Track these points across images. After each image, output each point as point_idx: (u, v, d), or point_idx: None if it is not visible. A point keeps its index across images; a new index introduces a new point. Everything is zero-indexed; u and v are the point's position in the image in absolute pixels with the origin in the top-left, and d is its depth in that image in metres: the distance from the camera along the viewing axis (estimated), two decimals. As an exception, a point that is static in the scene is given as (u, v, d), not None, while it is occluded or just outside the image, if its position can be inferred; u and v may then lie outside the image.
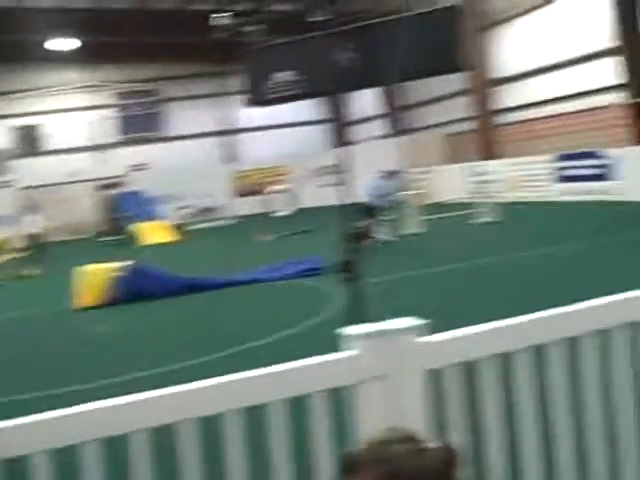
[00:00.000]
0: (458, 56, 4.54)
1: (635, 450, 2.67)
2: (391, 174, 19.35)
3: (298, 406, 2.33)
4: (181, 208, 35.58)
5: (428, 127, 33.21)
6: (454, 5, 4.78)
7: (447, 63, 4.59)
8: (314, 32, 4.77)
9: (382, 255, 14.73)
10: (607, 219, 16.94)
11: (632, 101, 21.20)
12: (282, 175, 31.26)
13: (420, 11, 4.86)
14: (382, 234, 17.25)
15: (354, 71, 4.53)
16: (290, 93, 4.83)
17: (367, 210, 16.45)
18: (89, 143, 38.11)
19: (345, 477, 1.65)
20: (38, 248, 21.71)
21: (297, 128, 39.06)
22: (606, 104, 22.53)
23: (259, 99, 5.16)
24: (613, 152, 20.61)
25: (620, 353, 2.65)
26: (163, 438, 2.25)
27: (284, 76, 4.79)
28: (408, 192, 19.68)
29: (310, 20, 4.49)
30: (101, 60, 35.94)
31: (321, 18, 4.43)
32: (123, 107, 38.42)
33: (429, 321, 2.34)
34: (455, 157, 30.99)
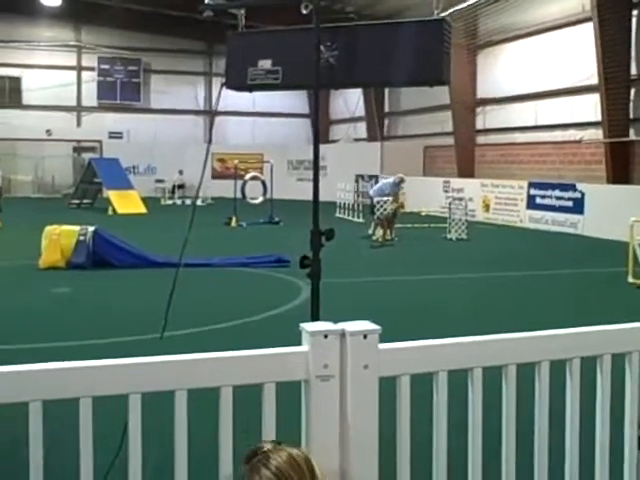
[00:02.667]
0: (445, 70, 4.52)
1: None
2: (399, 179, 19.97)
3: (246, 394, 2.31)
4: (156, 182, 35.36)
5: (409, 136, 33.36)
6: (446, 18, 4.76)
7: (433, 75, 4.56)
8: (302, 24, 4.72)
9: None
10: (566, 251, 17.21)
11: (607, 140, 21.53)
12: (260, 163, 31.16)
13: (411, 19, 4.83)
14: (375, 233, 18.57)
15: (336, 69, 4.48)
16: (269, 82, 4.78)
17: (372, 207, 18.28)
18: (68, 103, 37.66)
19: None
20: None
21: (280, 119, 38.99)
22: (579, 139, 22.88)
23: (238, 84, 5.09)
24: (583, 187, 20.90)
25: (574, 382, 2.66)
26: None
27: (264, 64, 4.73)
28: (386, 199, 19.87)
29: (299, 13, 4.43)
30: (88, 21, 35.55)
31: (308, 12, 4.38)
32: (105, 72, 37.98)
33: (380, 328, 2.32)
34: (432, 170, 31.18)
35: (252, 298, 10.77)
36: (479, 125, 28.91)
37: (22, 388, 2.03)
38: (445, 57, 4.64)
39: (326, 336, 2.27)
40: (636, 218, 13.19)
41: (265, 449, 1.92)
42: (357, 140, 36.80)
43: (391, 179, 19.96)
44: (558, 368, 2.66)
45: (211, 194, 30.46)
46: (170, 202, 32.27)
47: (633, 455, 2.76)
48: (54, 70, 37.07)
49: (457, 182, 27.20)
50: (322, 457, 2.25)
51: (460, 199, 22.21)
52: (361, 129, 36.64)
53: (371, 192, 20.27)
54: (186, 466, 2.21)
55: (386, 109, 35.59)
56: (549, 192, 22.42)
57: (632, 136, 21.60)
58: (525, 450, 2.65)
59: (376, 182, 24.65)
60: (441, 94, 26.35)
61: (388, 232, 18.52)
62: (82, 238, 12.82)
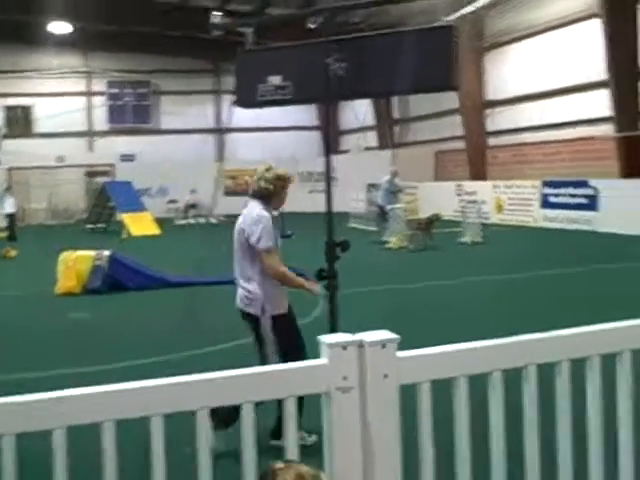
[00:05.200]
0: (454, 75, 4.53)
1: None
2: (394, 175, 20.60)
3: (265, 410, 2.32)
4: (169, 202, 35.49)
5: (420, 142, 33.34)
6: (453, 24, 4.78)
7: (442, 81, 4.57)
8: (308, 39, 4.76)
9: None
10: (582, 249, 17.11)
11: (618, 134, 21.45)
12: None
13: (418, 27, 4.84)
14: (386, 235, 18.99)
15: (345, 81, 4.51)
16: (279, 97, 4.81)
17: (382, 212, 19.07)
18: (79, 129, 37.96)
19: None
20: (13, 229, 21.57)
21: (289, 132, 39.10)
22: (592, 135, 22.80)
23: (247, 100, 5.13)
24: (597, 183, 20.80)
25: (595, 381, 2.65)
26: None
27: (273, 80, 4.76)
28: (399, 205, 19.97)
29: (307, 27, 4.47)
30: (96, 47, 35.83)
31: (317, 26, 4.42)
32: (114, 96, 38.27)
33: (399, 336, 2.33)
34: (444, 174, 31.13)
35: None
36: (489, 127, 28.84)
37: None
38: (454, 63, 4.65)
39: (345, 347, 2.29)
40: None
41: (275, 468, 1.97)
42: (368, 149, 36.80)
43: (385, 178, 20.20)
44: (579, 367, 2.66)
45: (224, 212, 30.52)
46: (184, 222, 32.36)
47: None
48: (64, 97, 37.40)
49: (469, 185, 27.15)
50: (346, 468, 2.26)
51: (473, 202, 22.17)
52: (371, 138, 36.65)
53: (379, 200, 20.47)
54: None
55: (395, 116, 35.60)
56: (562, 190, 22.33)
57: (643, 130, 21.49)
58: (550, 456, 2.64)
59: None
60: (449, 98, 26.34)
61: (427, 237, 18.52)
62: (98, 263, 12.88)
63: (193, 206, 33.76)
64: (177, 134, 38.54)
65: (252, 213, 5.17)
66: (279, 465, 2.01)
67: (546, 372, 2.61)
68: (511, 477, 2.56)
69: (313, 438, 4.17)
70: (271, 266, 5.09)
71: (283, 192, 5.32)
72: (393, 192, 20.24)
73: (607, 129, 22.22)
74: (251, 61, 5.06)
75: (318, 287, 5.21)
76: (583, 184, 21.42)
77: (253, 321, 5.14)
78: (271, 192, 5.23)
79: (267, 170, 5.30)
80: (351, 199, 26.28)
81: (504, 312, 9.96)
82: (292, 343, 5.07)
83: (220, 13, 5.15)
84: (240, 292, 5.24)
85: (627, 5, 20.97)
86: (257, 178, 5.30)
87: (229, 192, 34.23)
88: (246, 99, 5.14)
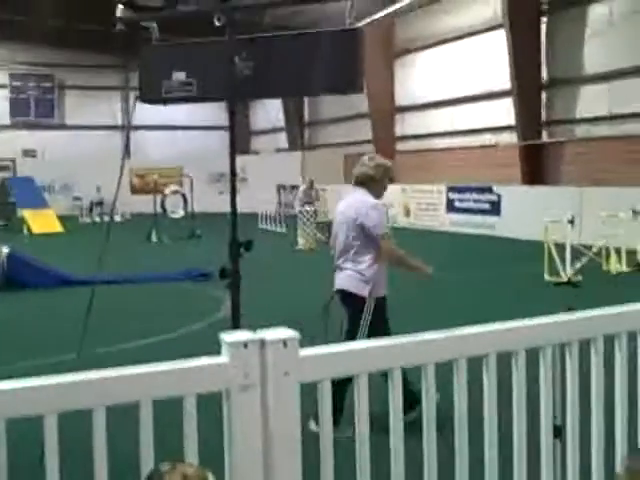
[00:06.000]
0: (359, 77, 4.59)
1: None
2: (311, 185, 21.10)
3: (168, 408, 2.28)
4: (73, 200, 34.58)
5: (330, 145, 33.58)
6: (359, 28, 4.84)
7: (348, 83, 4.63)
8: (215, 36, 4.72)
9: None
10: (484, 252, 17.61)
11: (521, 143, 22.19)
12: (178, 177, 30.86)
13: (325, 29, 4.88)
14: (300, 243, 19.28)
15: (251, 80, 4.50)
16: (183, 94, 4.75)
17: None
18: (-22, 122, 36.56)
19: None
20: None
21: (200, 132, 38.69)
22: (494, 143, 23.52)
23: (152, 96, 5.05)
24: (500, 189, 21.45)
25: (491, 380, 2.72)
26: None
27: (178, 76, 4.71)
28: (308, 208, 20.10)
29: (214, 25, 4.43)
30: None
31: (224, 24, 4.38)
32: (17, 89, 37.01)
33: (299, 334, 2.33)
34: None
35: (173, 313, 10.64)
36: (398, 132, 29.32)
37: None
38: (360, 65, 4.71)
39: (246, 345, 2.27)
40: (550, 219, 13.61)
41: (161, 470, 1.95)
42: (278, 150, 36.83)
43: (301, 188, 20.96)
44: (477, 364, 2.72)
45: (131, 210, 29.98)
46: (88, 220, 31.63)
47: (550, 443, 2.86)
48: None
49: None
50: (246, 465, 2.24)
51: (382, 205, 22.47)
52: (282, 139, 36.69)
53: (296, 208, 20.96)
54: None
55: (306, 119, 35.76)
56: (467, 195, 22.92)
57: (545, 138, 22.29)
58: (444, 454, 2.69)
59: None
60: (360, 102, 26.63)
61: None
62: (-6, 259, 12.47)
63: (99, 204, 32.99)
64: (83, 130, 37.59)
65: (364, 200, 5.49)
66: (165, 467, 1.98)
67: (443, 370, 2.66)
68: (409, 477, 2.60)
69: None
70: (389, 250, 5.46)
71: (385, 180, 5.68)
72: (309, 202, 20.41)
73: (511, 137, 22.95)
74: (156, 57, 4.99)
75: (430, 269, 5.70)
76: (487, 190, 22.05)
77: (356, 302, 5.37)
78: (374, 179, 5.57)
79: (370, 159, 5.76)
80: (261, 200, 26.22)
81: (404, 312, 10.12)
82: (382, 327, 5.32)
83: (123, 6, 5.04)
84: (346, 274, 5.48)
85: (531, 16, 21.70)
86: (360, 165, 5.68)
87: (136, 190, 33.59)
88: (150, 95, 5.06)
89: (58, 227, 25.73)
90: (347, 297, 5.49)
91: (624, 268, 13.74)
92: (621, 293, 11.30)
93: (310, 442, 2.44)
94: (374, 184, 5.59)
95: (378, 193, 5.65)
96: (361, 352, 2.52)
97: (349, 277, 5.48)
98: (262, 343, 2.29)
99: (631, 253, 13.98)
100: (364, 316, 5.32)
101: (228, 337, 2.30)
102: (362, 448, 2.49)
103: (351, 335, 5.29)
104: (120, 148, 38.46)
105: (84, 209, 33.06)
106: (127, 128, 37.58)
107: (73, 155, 35.47)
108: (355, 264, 5.46)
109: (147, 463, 2.19)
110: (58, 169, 34.28)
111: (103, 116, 38.20)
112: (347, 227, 5.50)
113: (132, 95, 37.12)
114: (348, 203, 5.64)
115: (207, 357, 2.27)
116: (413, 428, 2.74)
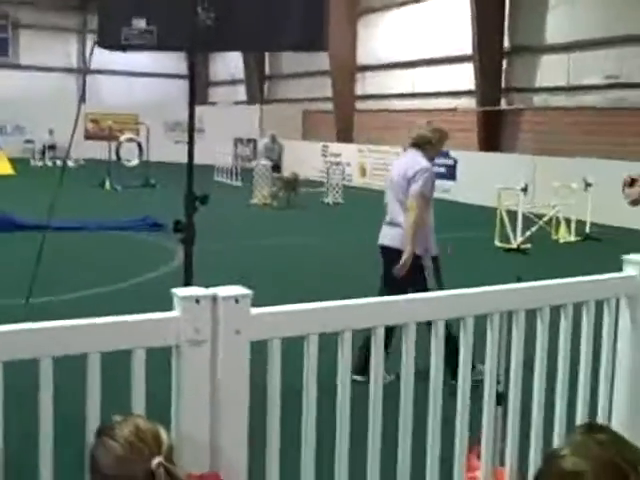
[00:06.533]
0: (323, 35, 4.55)
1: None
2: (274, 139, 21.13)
3: (114, 361, 2.27)
4: (25, 142, 33.80)
5: (289, 100, 33.29)
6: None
7: (311, 41, 4.58)
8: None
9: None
10: (438, 216, 17.69)
11: (479, 108, 22.30)
12: (135, 124, 30.32)
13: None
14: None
15: (213, 32, 4.42)
16: (143, 42, 4.65)
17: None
18: None
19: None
20: None
21: (157, 79, 37.98)
22: (453, 107, 23.58)
23: (110, 42, 4.93)
24: (456, 154, 21.56)
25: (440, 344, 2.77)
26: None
27: (138, 23, 4.59)
28: (263, 162, 19.99)
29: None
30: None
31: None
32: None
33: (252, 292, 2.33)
34: (311, 134, 31.30)
35: (124, 263, 10.56)
36: (358, 91, 29.18)
37: None
38: (324, 23, 4.65)
39: (198, 301, 2.26)
40: (504, 186, 13.77)
41: (114, 422, 1.97)
42: (237, 103, 36.39)
43: (263, 141, 20.84)
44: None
45: (84, 156, 29.44)
46: (40, 164, 31.00)
47: (491, 410, 2.92)
48: None
49: (335, 147, 27.46)
50: (192, 421, 2.25)
51: (338, 164, 22.45)
52: (241, 91, 36.24)
53: (258, 157, 21.02)
54: (51, 435, 2.15)
55: (267, 72, 35.33)
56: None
57: (503, 105, 22.42)
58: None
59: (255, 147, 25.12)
60: (322, 59, 26.37)
61: (291, 195, 18.85)
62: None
63: (51, 147, 32.32)
64: (37, 71, 36.58)
65: (418, 161, 5.66)
66: (117, 418, 1.99)
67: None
68: (353, 445, 2.64)
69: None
70: (416, 208, 5.58)
71: (439, 144, 5.84)
72: (270, 157, 20.31)
73: (470, 102, 23.02)
74: (116, 1, 4.86)
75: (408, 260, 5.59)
76: (444, 154, 22.10)
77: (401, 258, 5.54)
78: (431, 142, 5.76)
79: (428, 123, 6.07)
80: (217, 152, 25.96)
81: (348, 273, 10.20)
82: (429, 284, 5.49)
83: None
84: (398, 232, 5.70)
85: (495, -17, 21.66)
86: (418, 128, 5.91)
87: (89, 136, 32.92)
88: (109, 40, 4.94)
89: (9, 169, 25.23)
90: (392, 253, 5.65)
91: (572, 238, 14.01)
92: (567, 262, 11.60)
93: (257, 400, 2.46)
94: (430, 147, 5.77)
95: (431, 155, 5.83)
96: (312, 312, 2.53)
97: (399, 234, 5.68)
98: (214, 299, 2.28)
99: (581, 223, 14.25)
100: (419, 275, 5.53)
101: (180, 292, 2.29)
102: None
103: (389, 292, 5.26)
104: (75, 92, 37.59)
105: (36, 152, 32.36)
106: (84, 72, 36.68)
107: (26, 96, 34.54)
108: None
109: (94, 416, 2.18)
110: (10, 110, 33.39)
111: (59, 58, 37.23)
112: (398, 185, 5.74)
113: (90, 38, 36.20)
114: (401, 162, 5.91)
115: (159, 312, 2.26)
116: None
